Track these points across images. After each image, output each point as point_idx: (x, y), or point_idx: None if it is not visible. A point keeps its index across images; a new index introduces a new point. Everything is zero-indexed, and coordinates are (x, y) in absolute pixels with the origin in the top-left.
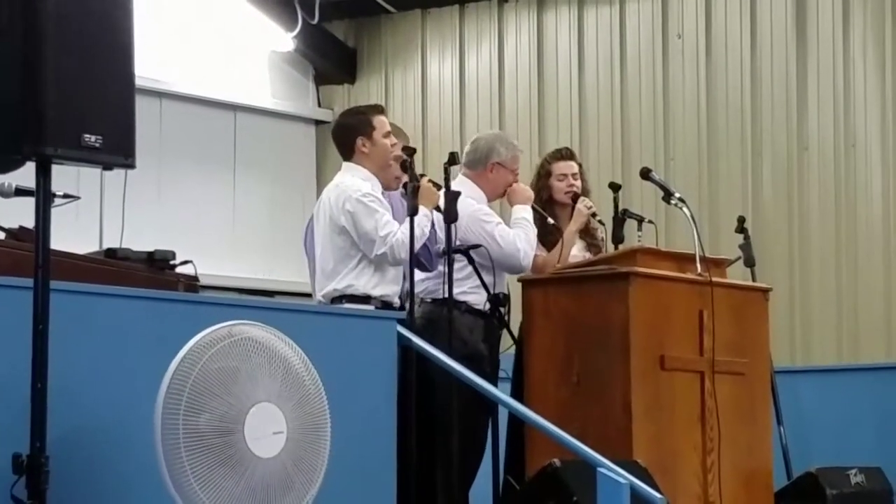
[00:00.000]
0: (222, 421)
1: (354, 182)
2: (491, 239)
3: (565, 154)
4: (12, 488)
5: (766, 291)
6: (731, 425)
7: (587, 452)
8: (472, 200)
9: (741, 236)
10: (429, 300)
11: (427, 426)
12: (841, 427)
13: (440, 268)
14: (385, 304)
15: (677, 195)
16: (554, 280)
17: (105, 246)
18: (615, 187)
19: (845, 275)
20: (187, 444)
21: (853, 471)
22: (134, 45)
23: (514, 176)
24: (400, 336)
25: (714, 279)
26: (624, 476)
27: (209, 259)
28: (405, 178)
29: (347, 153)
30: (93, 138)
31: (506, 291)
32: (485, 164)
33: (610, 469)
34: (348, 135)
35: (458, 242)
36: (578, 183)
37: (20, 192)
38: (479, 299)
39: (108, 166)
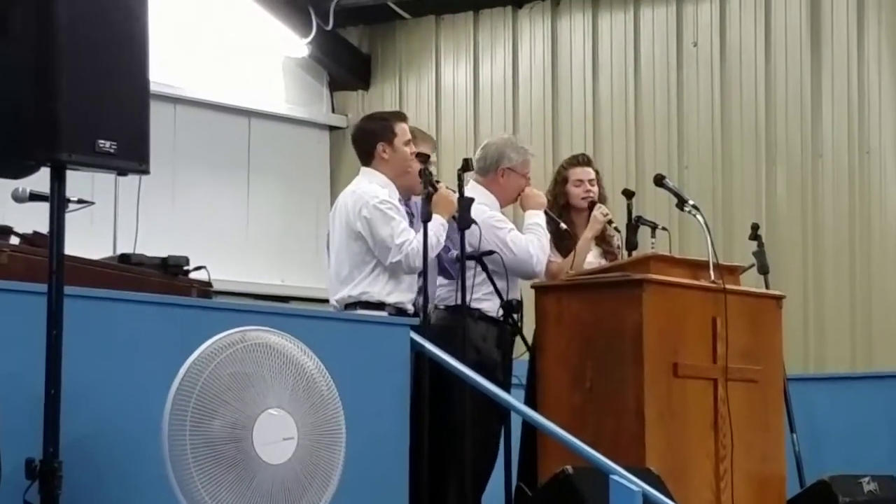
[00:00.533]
0: (230, 427)
1: (372, 188)
2: (504, 245)
3: (582, 160)
4: (25, 493)
5: (779, 299)
6: (744, 433)
7: (600, 459)
8: (484, 207)
9: (755, 243)
10: (442, 307)
11: (440, 433)
12: (854, 435)
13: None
14: (399, 311)
15: (691, 202)
16: (567, 287)
17: (119, 251)
18: (629, 194)
19: (859, 282)
20: (195, 450)
21: (866, 479)
22: (148, 50)
23: (526, 180)
24: (413, 342)
25: (727, 286)
26: (636, 483)
27: (223, 264)
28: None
29: (367, 158)
30: (107, 144)
31: (519, 298)
32: (495, 170)
33: (622, 476)
34: (369, 140)
35: (470, 249)
36: (595, 189)
37: (35, 197)
38: (492, 306)
39: (122, 172)
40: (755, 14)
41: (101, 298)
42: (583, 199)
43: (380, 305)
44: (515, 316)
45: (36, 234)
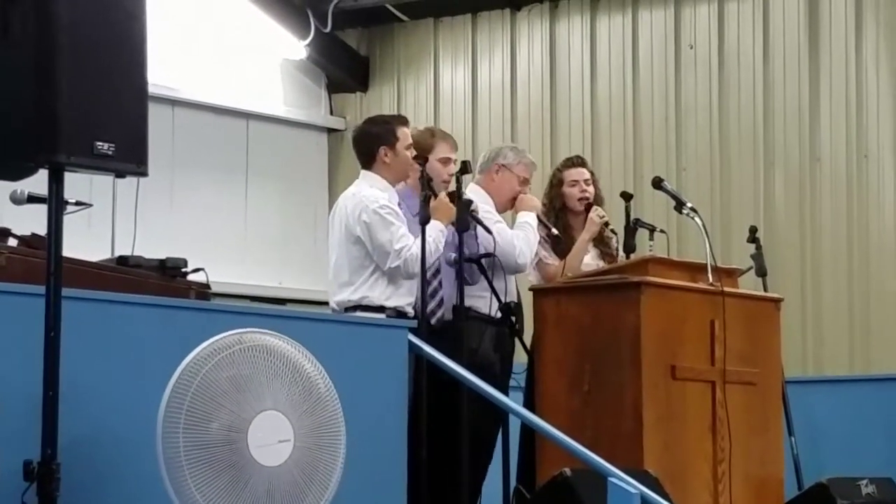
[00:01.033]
0: (224, 429)
1: (372, 192)
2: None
3: (576, 161)
4: (23, 495)
5: (777, 301)
6: (742, 435)
7: (598, 462)
8: (475, 200)
9: (753, 246)
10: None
11: (438, 434)
12: (852, 438)
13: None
14: (399, 315)
15: (689, 205)
16: (565, 289)
17: (117, 253)
18: (627, 196)
19: (857, 285)
20: (188, 452)
21: (864, 481)
22: (147, 53)
23: (522, 183)
24: (411, 344)
25: (726, 289)
26: (635, 486)
27: (221, 267)
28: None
29: (368, 162)
30: (105, 146)
31: (516, 300)
32: (491, 167)
33: (620, 479)
34: (371, 143)
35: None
36: (591, 189)
37: (33, 199)
38: (484, 304)
39: (120, 174)
40: (753, 17)
41: (100, 300)
42: (579, 199)
43: (379, 309)
44: (513, 318)
45: (34, 235)
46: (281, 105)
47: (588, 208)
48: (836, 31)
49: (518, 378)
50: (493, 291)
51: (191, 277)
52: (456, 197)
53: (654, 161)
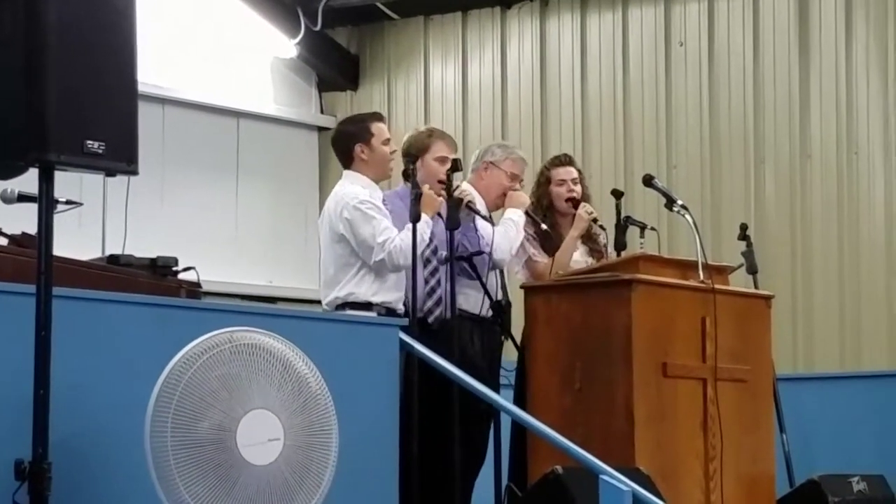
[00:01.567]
0: (212, 428)
1: (352, 189)
2: None
3: (564, 160)
4: (14, 494)
5: (768, 299)
6: (733, 432)
7: (589, 459)
8: None
9: (744, 243)
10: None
11: (429, 432)
12: (843, 434)
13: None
14: (389, 311)
15: (680, 202)
16: (556, 287)
17: (108, 252)
18: (617, 194)
19: (848, 282)
20: (176, 451)
21: (855, 478)
22: (137, 51)
23: (511, 180)
24: (402, 343)
25: (716, 286)
26: (626, 483)
27: (212, 265)
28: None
29: (347, 161)
30: (95, 144)
31: (508, 299)
32: (479, 165)
33: (612, 476)
34: (347, 142)
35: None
36: (578, 188)
37: (23, 198)
38: (473, 302)
39: (110, 172)
40: (743, 14)
41: (90, 299)
42: (566, 199)
43: (367, 305)
44: (502, 317)
45: (24, 234)
46: (271, 104)
47: (576, 205)
48: (826, 28)
49: (508, 376)
50: (485, 290)
51: (181, 276)
52: (448, 194)
53: (644, 158)
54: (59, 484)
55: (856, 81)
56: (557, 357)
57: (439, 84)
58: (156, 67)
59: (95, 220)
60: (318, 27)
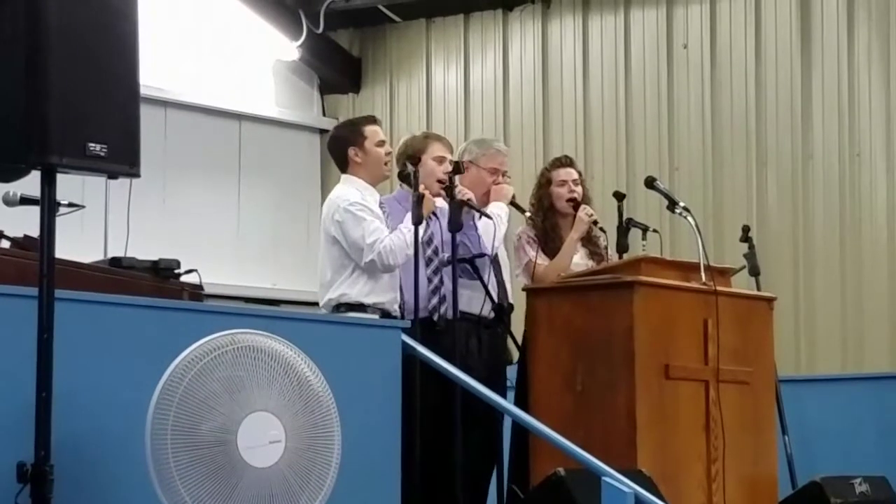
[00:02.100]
0: (213, 430)
1: (345, 191)
2: None
3: (564, 161)
4: (17, 497)
5: (770, 300)
6: (735, 434)
7: (591, 461)
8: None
9: (746, 245)
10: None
11: (432, 434)
12: (845, 436)
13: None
14: (383, 313)
15: (682, 204)
16: (558, 289)
17: (110, 255)
18: (620, 196)
19: (850, 284)
20: (176, 453)
21: (858, 480)
22: (139, 54)
23: (493, 174)
24: (404, 345)
25: (718, 288)
26: (628, 485)
27: (214, 268)
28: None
29: (343, 165)
30: (98, 147)
31: (509, 301)
32: None
33: (614, 478)
34: (340, 146)
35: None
36: (579, 189)
37: (25, 200)
38: (472, 302)
39: (112, 175)
40: (745, 17)
41: (92, 302)
42: (567, 200)
43: (359, 306)
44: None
45: (27, 237)
46: (273, 106)
47: (576, 208)
48: (828, 31)
49: (509, 378)
50: (487, 292)
51: (184, 279)
52: (450, 196)
53: (646, 161)
54: (62, 486)
55: (858, 83)
56: (559, 359)
57: (441, 87)
58: (158, 70)
59: (98, 222)
60: (320, 30)
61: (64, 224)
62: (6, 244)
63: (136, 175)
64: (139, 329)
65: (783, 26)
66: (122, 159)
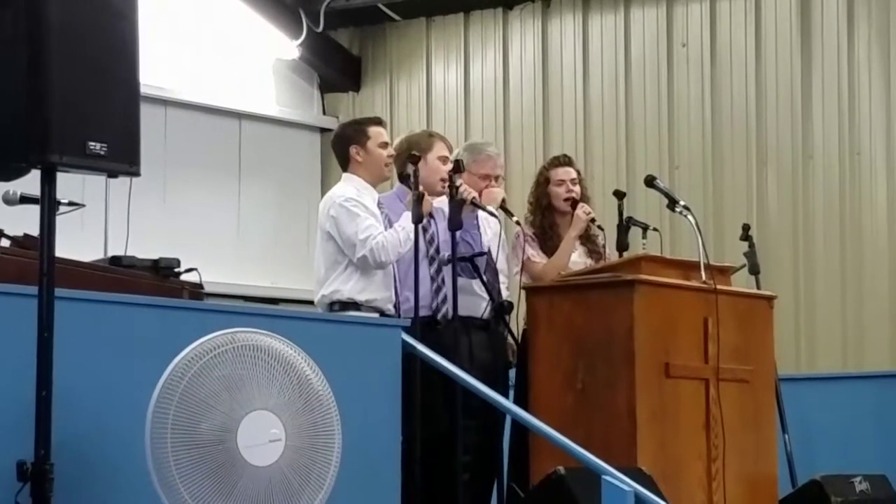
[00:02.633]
0: (213, 429)
1: (342, 188)
2: None
3: (563, 160)
4: (17, 495)
5: (770, 299)
6: (735, 433)
7: (592, 460)
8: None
9: (746, 244)
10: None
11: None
12: (846, 435)
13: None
14: (377, 312)
15: (682, 203)
16: (558, 288)
17: (110, 253)
18: (620, 195)
19: (850, 282)
20: (176, 452)
21: (858, 478)
22: (139, 53)
23: (484, 179)
24: (405, 343)
25: (719, 287)
26: (628, 483)
27: (214, 267)
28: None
29: (344, 163)
30: (98, 146)
31: (509, 300)
32: None
33: (614, 476)
34: (343, 144)
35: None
36: (577, 188)
37: (25, 199)
38: (473, 302)
39: (112, 174)
40: (745, 15)
41: (92, 301)
42: (565, 199)
43: (352, 303)
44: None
45: (27, 236)
46: (273, 105)
47: (574, 207)
48: (828, 29)
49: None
50: (487, 291)
51: (184, 277)
52: (451, 195)
53: (646, 159)
54: (61, 485)
55: (858, 82)
56: (559, 357)
57: (441, 85)
58: (158, 69)
59: (98, 221)
60: (321, 28)
61: (64, 223)
62: (6, 243)
63: (136, 174)
64: (139, 328)
65: (783, 25)
66: (122, 158)
